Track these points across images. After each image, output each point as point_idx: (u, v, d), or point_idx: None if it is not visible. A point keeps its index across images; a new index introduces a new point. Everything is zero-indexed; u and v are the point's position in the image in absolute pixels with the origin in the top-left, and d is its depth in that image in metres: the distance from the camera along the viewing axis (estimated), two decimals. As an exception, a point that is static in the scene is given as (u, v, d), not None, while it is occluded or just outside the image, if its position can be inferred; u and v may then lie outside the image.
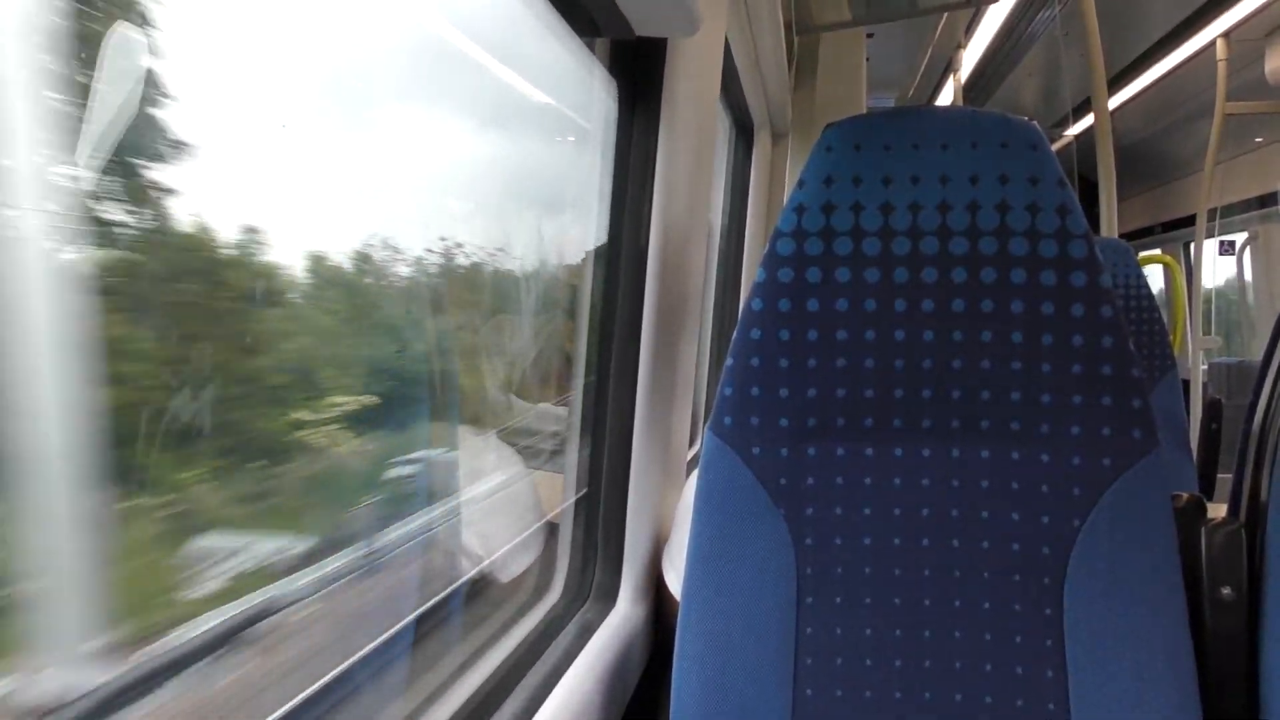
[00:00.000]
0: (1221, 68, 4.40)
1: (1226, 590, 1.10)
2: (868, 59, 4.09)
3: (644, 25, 1.27)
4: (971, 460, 1.04)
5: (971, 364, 1.03)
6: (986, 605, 1.03)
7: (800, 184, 1.04)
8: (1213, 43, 4.34)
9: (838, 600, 1.04)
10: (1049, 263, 1.01)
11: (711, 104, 1.63)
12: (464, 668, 1.17)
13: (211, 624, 0.84)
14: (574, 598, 1.44)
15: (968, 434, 1.04)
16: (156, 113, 0.75)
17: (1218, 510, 1.19)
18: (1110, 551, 1.01)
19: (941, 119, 1.04)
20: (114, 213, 0.73)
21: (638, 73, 1.42)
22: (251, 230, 0.90)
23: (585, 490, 1.48)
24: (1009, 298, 1.02)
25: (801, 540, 1.05)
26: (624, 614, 1.41)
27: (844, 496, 1.05)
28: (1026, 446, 1.03)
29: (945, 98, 6.03)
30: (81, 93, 0.68)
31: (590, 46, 1.37)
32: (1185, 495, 1.15)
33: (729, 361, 1.06)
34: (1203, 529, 1.12)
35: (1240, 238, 5.73)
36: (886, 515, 1.05)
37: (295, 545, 0.99)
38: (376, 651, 1.08)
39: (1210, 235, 5.11)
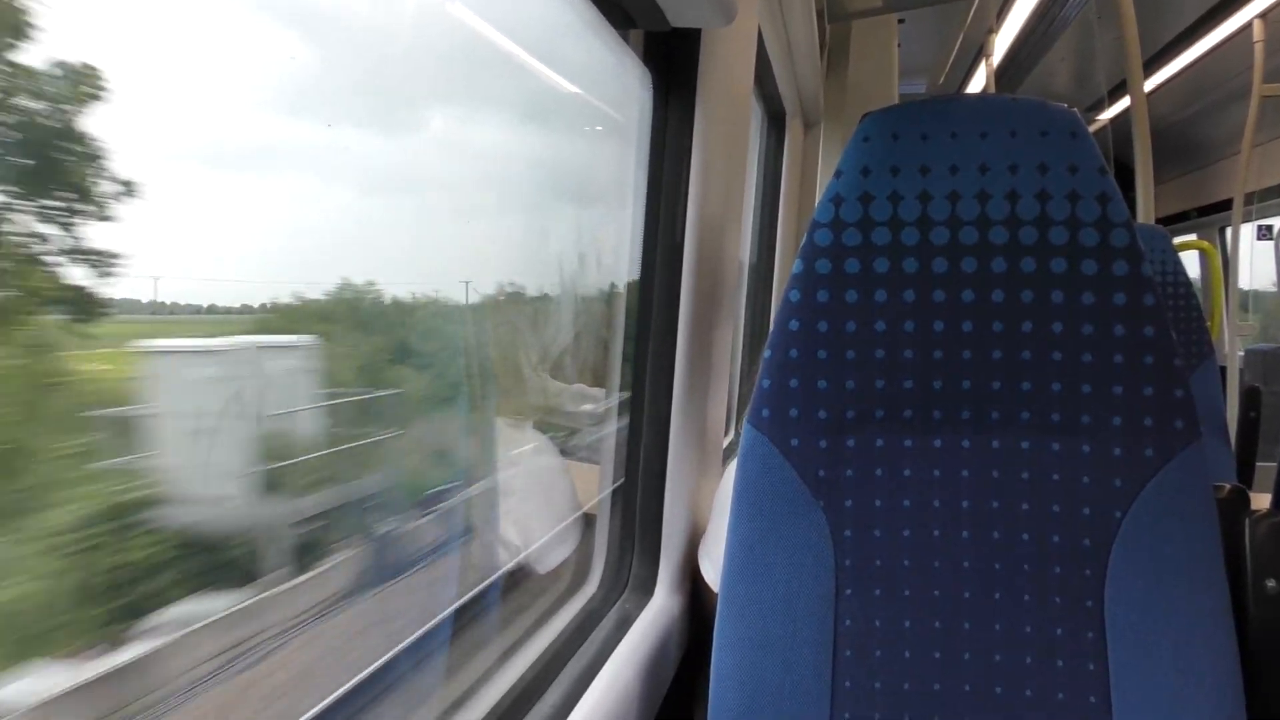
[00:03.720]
0: (1258, 49, 4.33)
1: (1271, 583, 1.09)
2: (899, 45, 4.06)
3: (679, 17, 1.27)
4: (1012, 451, 1.04)
5: (1011, 355, 1.03)
6: (1027, 597, 1.02)
7: (837, 174, 1.04)
8: (1249, 24, 4.28)
9: (877, 592, 1.04)
10: (1090, 251, 1.00)
11: (745, 94, 1.63)
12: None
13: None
14: (611, 588, 1.45)
15: (1008, 425, 1.04)
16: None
17: (1258, 498, 1.18)
18: (1152, 543, 1.00)
19: (979, 107, 1.03)
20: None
21: (672, 64, 1.42)
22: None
23: (622, 481, 1.49)
24: (1049, 287, 1.01)
25: (840, 532, 1.05)
26: (661, 605, 1.41)
27: (883, 488, 1.05)
28: (1067, 437, 1.03)
29: (977, 83, 5.97)
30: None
31: (624, 38, 1.37)
32: (1227, 486, 1.14)
33: (767, 353, 1.06)
34: (1246, 521, 1.11)
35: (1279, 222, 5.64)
36: (926, 507, 1.04)
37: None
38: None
39: (1247, 219, 5.04)
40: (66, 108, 0.71)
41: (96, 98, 0.71)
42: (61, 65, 0.70)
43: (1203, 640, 0.99)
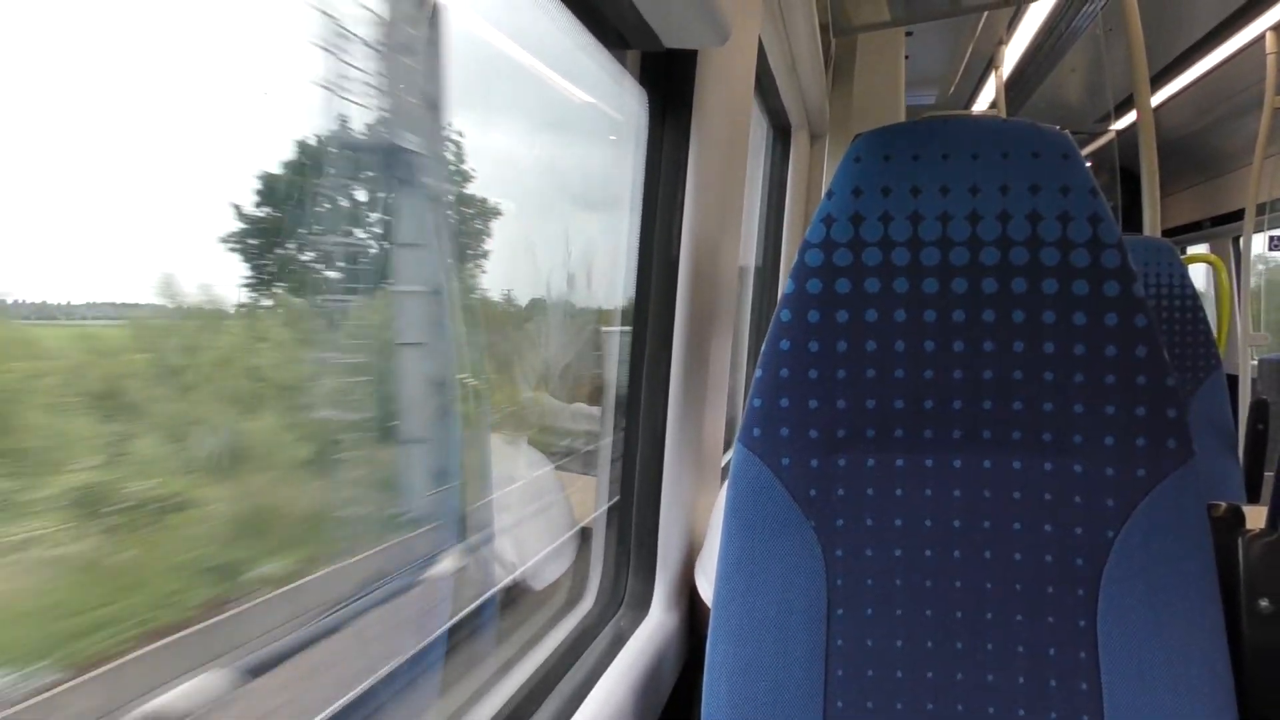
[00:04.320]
0: (1271, 61, 4.31)
1: (1265, 602, 1.08)
2: (906, 57, 4.06)
3: (672, 38, 1.27)
4: (1003, 471, 1.04)
5: (1003, 375, 1.03)
6: (1019, 617, 1.02)
7: (829, 195, 1.04)
8: (1261, 36, 4.26)
9: (868, 612, 1.04)
10: (1081, 272, 1.00)
11: (744, 112, 1.63)
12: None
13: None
14: (607, 605, 1.44)
15: (999, 445, 1.04)
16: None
17: (1260, 513, 1.17)
18: (1145, 563, 0.99)
19: (971, 128, 1.03)
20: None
21: (668, 83, 1.42)
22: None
23: (618, 497, 1.49)
24: (1041, 308, 1.01)
25: (832, 552, 1.05)
26: (657, 622, 1.41)
27: (874, 508, 1.05)
28: (1059, 457, 1.02)
29: (986, 95, 5.97)
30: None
31: (621, 58, 1.38)
32: (1223, 505, 1.13)
33: (758, 373, 1.06)
34: (1240, 540, 1.11)
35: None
36: (917, 527, 1.04)
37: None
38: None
39: (1259, 230, 5.01)
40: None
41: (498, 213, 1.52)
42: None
43: (1196, 660, 0.99)
